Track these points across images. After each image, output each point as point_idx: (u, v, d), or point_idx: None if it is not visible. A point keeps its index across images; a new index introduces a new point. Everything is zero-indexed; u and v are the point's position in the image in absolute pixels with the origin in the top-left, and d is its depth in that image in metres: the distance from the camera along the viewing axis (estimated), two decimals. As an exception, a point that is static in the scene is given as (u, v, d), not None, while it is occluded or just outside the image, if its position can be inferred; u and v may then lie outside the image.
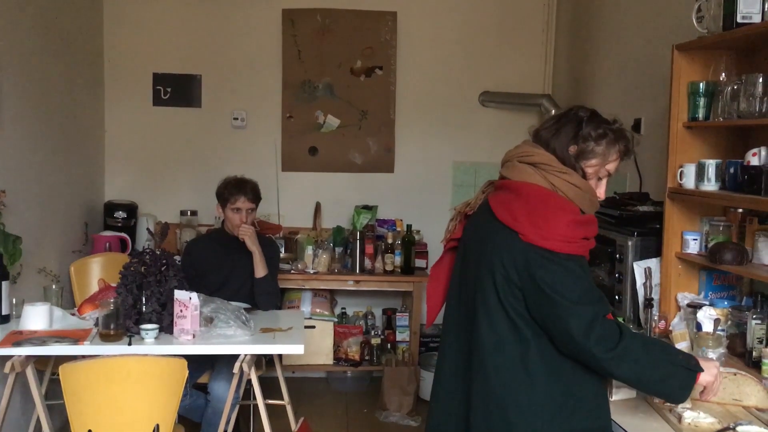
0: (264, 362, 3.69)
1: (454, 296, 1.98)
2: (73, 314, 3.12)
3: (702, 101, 2.65)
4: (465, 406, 1.88)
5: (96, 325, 2.95)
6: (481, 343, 1.83)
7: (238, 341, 2.93)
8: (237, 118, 4.91)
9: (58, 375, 2.40)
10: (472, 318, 1.87)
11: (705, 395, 1.92)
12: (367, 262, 4.60)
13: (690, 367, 1.79)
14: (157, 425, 2.42)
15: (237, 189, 3.62)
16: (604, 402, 1.86)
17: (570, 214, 1.79)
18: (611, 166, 1.91)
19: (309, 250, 4.57)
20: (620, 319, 2.72)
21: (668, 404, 1.96)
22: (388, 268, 4.58)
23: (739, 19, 2.39)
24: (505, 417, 1.78)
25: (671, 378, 1.77)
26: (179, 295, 2.90)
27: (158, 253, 3.10)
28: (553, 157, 1.86)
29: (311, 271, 4.53)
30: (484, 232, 1.88)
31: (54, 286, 3.28)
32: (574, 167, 1.86)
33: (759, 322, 2.38)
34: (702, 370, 1.81)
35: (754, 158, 2.37)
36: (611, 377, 1.87)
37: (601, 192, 1.92)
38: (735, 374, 2.09)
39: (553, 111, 4.39)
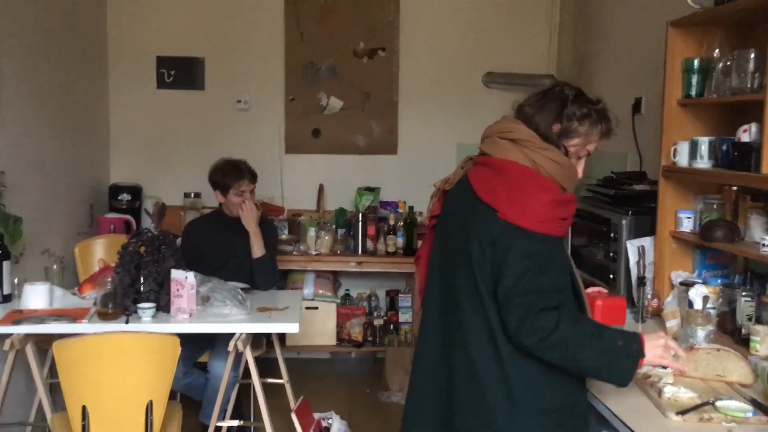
0: (265, 342, 3.74)
1: (435, 274, 1.98)
2: (74, 294, 3.17)
3: (696, 78, 2.63)
4: (448, 382, 1.89)
5: (95, 304, 3.00)
6: (462, 320, 1.84)
7: (234, 320, 2.96)
8: (240, 101, 4.93)
9: (60, 354, 2.45)
10: (453, 294, 1.87)
11: (675, 370, 1.89)
12: (370, 244, 4.62)
13: (629, 354, 1.74)
14: (150, 401, 2.46)
15: (236, 174, 3.64)
16: (580, 379, 1.85)
17: (550, 193, 1.78)
18: (592, 147, 1.90)
19: (312, 232, 4.60)
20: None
21: (650, 380, 1.96)
22: (390, 249, 4.59)
23: (730, -6, 2.36)
24: (482, 393, 1.80)
25: (609, 366, 1.74)
26: (176, 274, 2.94)
27: (156, 233, 3.14)
28: (534, 134, 1.85)
29: (314, 253, 4.56)
30: (464, 209, 1.88)
31: (55, 266, 3.33)
32: (557, 145, 1.85)
33: (748, 299, 2.37)
34: (643, 355, 1.75)
35: (744, 135, 2.35)
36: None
37: (579, 171, 1.91)
38: (718, 350, 2.09)
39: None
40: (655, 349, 1.78)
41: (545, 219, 1.75)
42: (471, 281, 1.81)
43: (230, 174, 3.64)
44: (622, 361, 1.74)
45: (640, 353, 1.75)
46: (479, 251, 1.78)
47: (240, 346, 2.88)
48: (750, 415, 1.83)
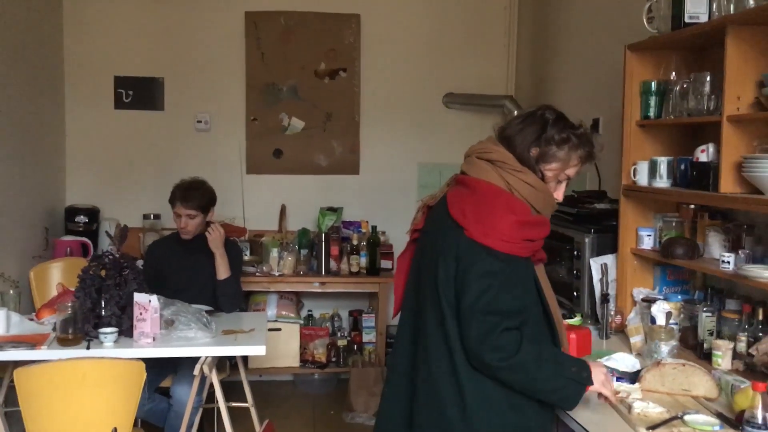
0: (228, 365, 3.68)
1: (412, 287, 2.00)
2: (32, 319, 3.09)
3: (654, 100, 2.71)
4: (412, 396, 1.91)
5: (54, 329, 2.92)
6: (426, 335, 1.86)
7: (199, 343, 2.92)
8: (201, 121, 4.89)
9: (16, 381, 2.37)
10: (422, 309, 1.90)
11: (604, 398, 1.93)
12: (333, 264, 4.60)
13: (580, 381, 1.81)
14: (115, 428, 2.40)
15: (175, 195, 3.58)
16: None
17: (516, 214, 1.79)
18: (571, 171, 1.90)
19: (274, 253, 4.56)
20: (579, 316, 2.80)
21: (619, 395, 1.99)
22: (354, 269, 4.59)
23: (686, 19, 2.44)
24: (440, 410, 1.81)
25: (561, 390, 1.80)
26: (139, 298, 2.89)
27: (118, 256, 3.08)
28: (511, 156, 1.86)
29: (276, 274, 4.52)
30: (439, 226, 1.91)
31: (12, 291, 3.24)
32: (533, 168, 1.86)
33: (709, 314, 2.44)
34: (591, 383, 1.83)
35: (702, 155, 2.42)
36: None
37: (559, 195, 1.92)
38: (684, 365, 2.13)
39: (516, 112, 4.44)
40: (599, 376, 1.87)
41: (509, 239, 1.77)
42: (435, 297, 1.83)
43: (175, 192, 3.60)
44: (573, 386, 1.81)
45: (589, 381, 1.83)
46: (444, 268, 1.81)
47: (206, 370, 2.83)
48: (717, 428, 1.87)
